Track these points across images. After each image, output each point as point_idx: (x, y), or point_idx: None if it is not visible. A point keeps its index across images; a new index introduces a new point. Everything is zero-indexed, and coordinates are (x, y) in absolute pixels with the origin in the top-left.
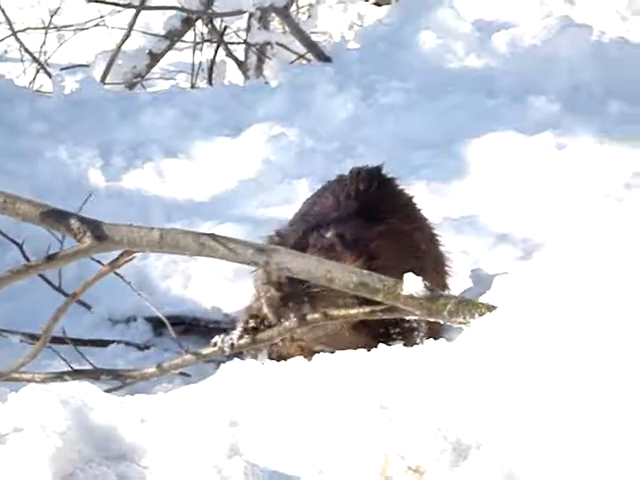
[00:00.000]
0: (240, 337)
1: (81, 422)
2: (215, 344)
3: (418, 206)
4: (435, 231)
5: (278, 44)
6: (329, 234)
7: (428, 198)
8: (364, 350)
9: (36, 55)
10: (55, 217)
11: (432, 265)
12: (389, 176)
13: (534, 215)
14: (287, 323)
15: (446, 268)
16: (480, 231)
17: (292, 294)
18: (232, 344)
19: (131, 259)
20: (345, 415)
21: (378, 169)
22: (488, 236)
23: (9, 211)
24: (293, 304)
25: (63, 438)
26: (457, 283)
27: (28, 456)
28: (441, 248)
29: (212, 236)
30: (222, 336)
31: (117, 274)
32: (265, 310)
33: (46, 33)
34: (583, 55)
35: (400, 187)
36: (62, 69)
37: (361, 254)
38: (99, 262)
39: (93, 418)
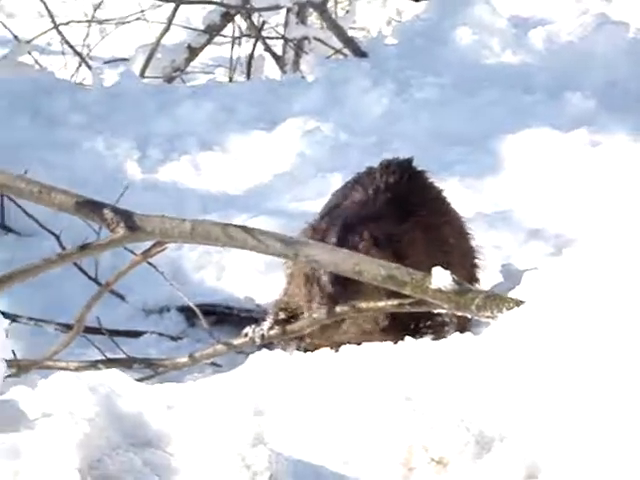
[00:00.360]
0: (270, 328)
1: (109, 409)
2: (246, 334)
3: (448, 199)
4: (465, 225)
5: (316, 39)
6: (365, 236)
7: (461, 193)
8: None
9: (79, 48)
10: (89, 207)
11: (460, 259)
12: (419, 169)
13: (567, 212)
14: (316, 315)
15: (476, 262)
16: (512, 226)
17: (343, 293)
18: (262, 335)
19: (163, 249)
20: (370, 406)
21: (409, 162)
22: (520, 232)
23: (44, 201)
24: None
25: (91, 424)
26: (488, 278)
27: (56, 442)
28: (471, 242)
29: (243, 228)
30: (253, 327)
31: (151, 264)
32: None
33: (89, 26)
34: (619, 52)
35: (430, 180)
36: (105, 62)
37: (394, 256)
38: (132, 252)
39: (121, 405)
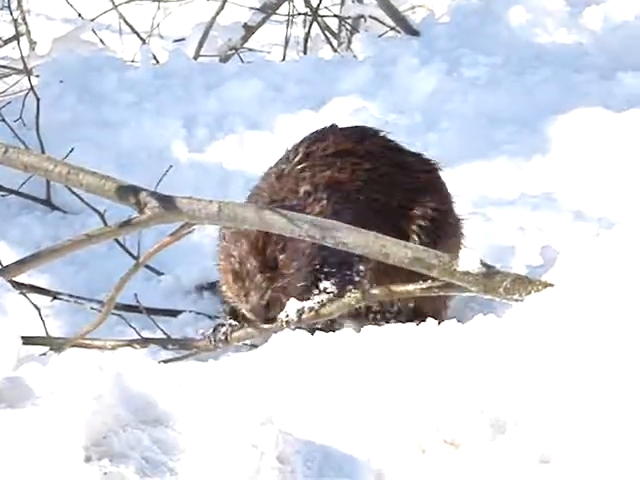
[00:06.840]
0: (302, 313)
1: (119, 386)
2: (280, 320)
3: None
4: None
5: (371, 17)
6: None
7: (508, 174)
8: (413, 324)
9: (146, 28)
10: (118, 189)
11: None
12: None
13: (614, 194)
14: (346, 299)
15: None
16: (557, 208)
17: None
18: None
19: (191, 231)
20: (386, 388)
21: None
22: (565, 213)
23: (73, 182)
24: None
25: (98, 402)
26: (528, 259)
27: (61, 419)
28: None
29: (270, 209)
30: (285, 311)
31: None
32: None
33: (158, 8)
34: None
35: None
36: (175, 41)
37: None
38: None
39: (131, 383)
